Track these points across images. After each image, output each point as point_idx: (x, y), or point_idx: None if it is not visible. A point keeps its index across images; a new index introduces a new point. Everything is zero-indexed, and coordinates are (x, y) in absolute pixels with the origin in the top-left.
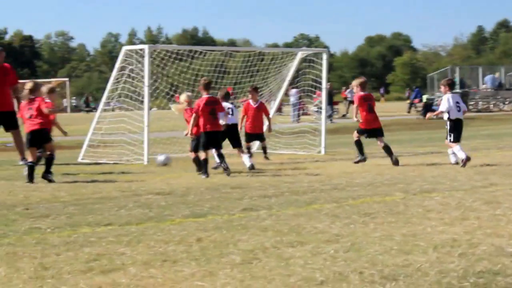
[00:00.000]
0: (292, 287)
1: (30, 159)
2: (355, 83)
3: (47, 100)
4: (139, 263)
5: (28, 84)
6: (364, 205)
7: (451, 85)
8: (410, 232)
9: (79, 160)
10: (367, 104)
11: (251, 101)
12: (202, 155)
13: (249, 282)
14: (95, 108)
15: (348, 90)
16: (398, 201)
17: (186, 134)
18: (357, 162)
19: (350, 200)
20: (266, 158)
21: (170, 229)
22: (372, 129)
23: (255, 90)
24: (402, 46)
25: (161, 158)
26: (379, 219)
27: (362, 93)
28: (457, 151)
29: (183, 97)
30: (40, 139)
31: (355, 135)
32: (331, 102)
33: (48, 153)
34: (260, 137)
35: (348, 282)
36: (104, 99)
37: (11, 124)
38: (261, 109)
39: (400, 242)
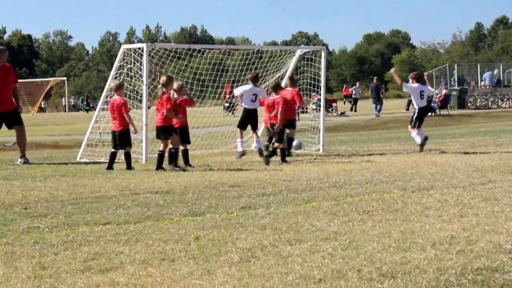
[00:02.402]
0: (290, 285)
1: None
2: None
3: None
4: (137, 262)
5: (162, 78)
6: (362, 202)
7: (417, 78)
8: (408, 229)
9: (78, 159)
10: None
11: None
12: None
13: (247, 280)
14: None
15: (354, 87)
16: (396, 199)
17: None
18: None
19: (349, 198)
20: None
21: (168, 228)
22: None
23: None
24: (401, 44)
25: (295, 142)
26: (377, 216)
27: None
28: (415, 136)
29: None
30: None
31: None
32: (378, 96)
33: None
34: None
35: (346, 280)
36: (102, 98)
37: (15, 121)
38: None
39: (398, 240)
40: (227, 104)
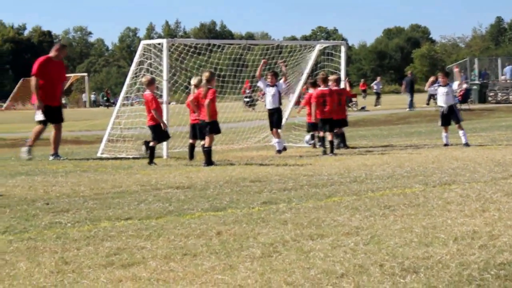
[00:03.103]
0: (312, 280)
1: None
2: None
3: (147, 92)
4: (159, 257)
5: (205, 74)
6: (384, 197)
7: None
8: (430, 224)
9: (99, 154)
10: None
11: None
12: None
13: (269, 275)
14: (114, 103)
15: (374, 82)
16: (418, 193)
17: None
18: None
19: (370, 193)
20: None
21: (190, 223)
22: None
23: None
24: (421, 38)
25: (308, 137)
26: (399, 211)
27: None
28: (462, 135)
29: (193, 80)
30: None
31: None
32: (412, 90)
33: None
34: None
35: (369, 275)
36: (123, 93)
37: (60, 118)
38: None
39: (420, 234)
40: (247, 99)
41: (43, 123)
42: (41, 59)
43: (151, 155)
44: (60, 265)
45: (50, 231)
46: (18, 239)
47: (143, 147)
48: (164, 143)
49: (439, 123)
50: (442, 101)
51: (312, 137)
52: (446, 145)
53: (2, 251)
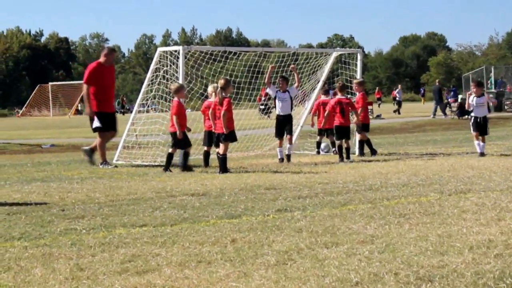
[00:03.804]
0: None
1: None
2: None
3: (175, 99)
4: (174, 264)
5: (221, 82)
6: (399, 205)
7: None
8: (445, 232)
9: (114, 161)
10: None
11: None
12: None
13: (284, 283)
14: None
15: (396, 90)
16: (433, 202)
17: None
18: None
19: (385, 201)
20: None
21: (204, 230)
22: None
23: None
24: (437, 46)
25: (323, 145)
26: (414, 219)
27: None
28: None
29: (210, 88)
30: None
31: None
32: (441, 98)
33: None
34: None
35: (383, 283)
36: (139, 100)
37: (114, 126)
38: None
39: (436, 243)
40: (262, 107)
41: (100, 129)
42: (91, 65)
43: (168, 162)
44: (75, 271)
45: (65, 237)
46: (33, 245)
47: (181, 157)
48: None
49: (473, 132)
50: (477, 111)
51: (333, 144)
52: (482, 154)
53: (17, 257)
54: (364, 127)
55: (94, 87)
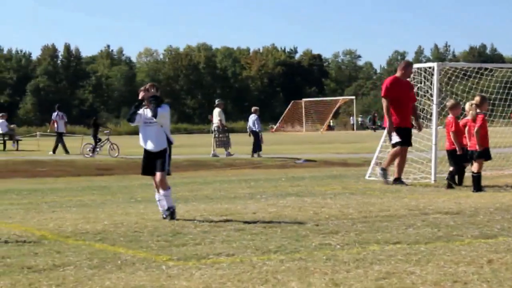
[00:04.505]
0: None
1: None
2: None
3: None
4: (429, 283)
5: (476, 99)
6: None
7: None
8: None
9: (367, 177)
10: None
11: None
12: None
13: None
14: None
15: None
16: None
17: None
18: None
19: None
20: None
21: (459, 250)
22: None
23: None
24: None
25: None
26: None
27: None
28: None
29: (467, 106)
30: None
31: None
32: None
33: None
34: None
35: None
36: None
37: (409, 141)
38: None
39: None
40: None
41: (400, 144)
42: (388, 79)
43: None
44: (331, 286)
45: (320, 252)
46: (289, 259)
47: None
48: (433, 167)
49: None
50: None
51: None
52: None
53: (274, 270)
54: None
55: (391, 101)
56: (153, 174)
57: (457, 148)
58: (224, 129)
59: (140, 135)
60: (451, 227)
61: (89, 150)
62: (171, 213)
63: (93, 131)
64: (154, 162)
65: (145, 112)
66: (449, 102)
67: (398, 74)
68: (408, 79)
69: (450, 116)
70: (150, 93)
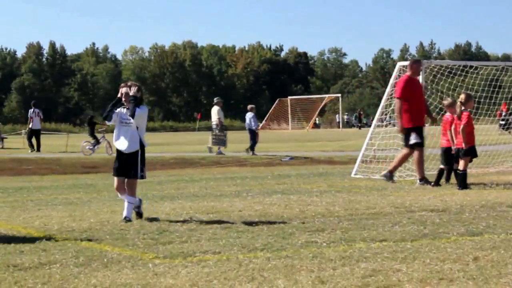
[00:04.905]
0: None
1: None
2: None
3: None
4: (415, 280)
5: (461, 96)
6: None
7: None
8: None
9: (352, 175)
10: None
11: None
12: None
13: None
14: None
15: None
16: None
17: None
18: None
19: None
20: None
21: (445, 247)
22: None
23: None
24: None
25: None
26: None
27: None
28: None
29: (445, 101)
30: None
31: None
32: None
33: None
34: None
35: None
36: (377, 115)
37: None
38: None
39: None
40: (503, 122)
41: (419, 145)
42: (402, 80)
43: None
44: (317, 284)
45: (306, 249)
46: (275, 256)
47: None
48: None
49: None
50: None
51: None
52: None
53: (261, 268)
54: None
55: (408, 101)
56: (125, 176)
57: (452, 147)
58: (222, 128)
59: (114, 134)
60: (437, 224)
61: (89, 148)
62: (126, 221)
63: (90, 129)
64: (126, 165)
65: (123, 111)
66: (446, 101)
67: (408, 73)
68: (418, 77)
69: (448, 114)
70: (131, 92)
